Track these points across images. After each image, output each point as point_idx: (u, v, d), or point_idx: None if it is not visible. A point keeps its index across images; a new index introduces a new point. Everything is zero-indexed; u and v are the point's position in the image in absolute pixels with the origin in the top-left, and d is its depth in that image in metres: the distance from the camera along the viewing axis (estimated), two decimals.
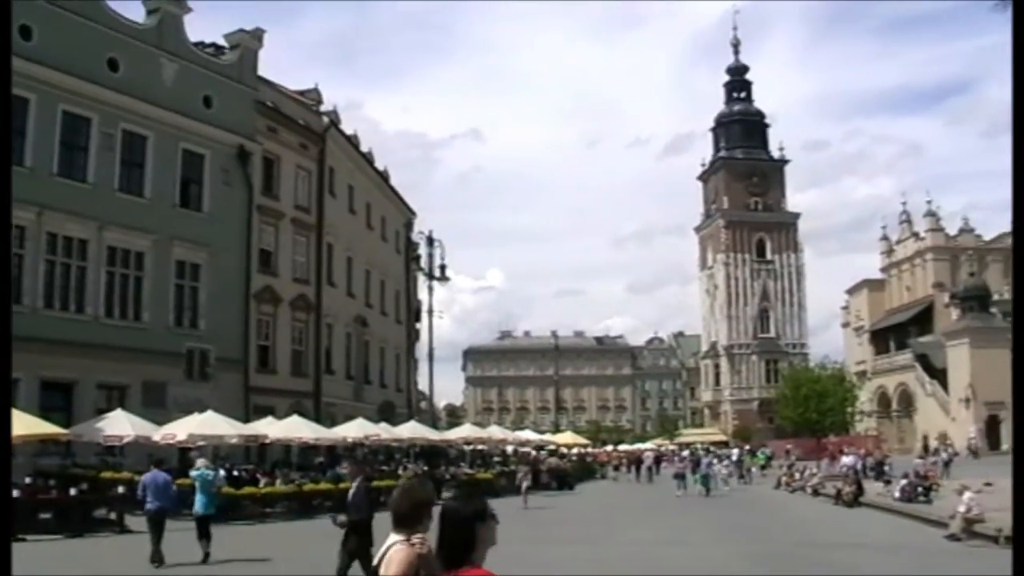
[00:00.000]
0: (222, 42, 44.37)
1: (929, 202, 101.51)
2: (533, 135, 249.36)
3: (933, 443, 75.90)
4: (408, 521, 5.11)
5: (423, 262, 51.07)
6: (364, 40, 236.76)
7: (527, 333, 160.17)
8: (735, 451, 66.08)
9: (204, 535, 18.59)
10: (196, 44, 41.83)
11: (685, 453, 70.66)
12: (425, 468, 43.09)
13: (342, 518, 13.68)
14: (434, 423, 62.53)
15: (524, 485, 36.37)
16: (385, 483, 33.08)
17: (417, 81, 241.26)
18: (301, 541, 22.61)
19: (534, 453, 59.72)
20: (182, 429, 30.37)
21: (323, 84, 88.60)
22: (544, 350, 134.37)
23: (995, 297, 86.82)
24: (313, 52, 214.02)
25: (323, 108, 53.03)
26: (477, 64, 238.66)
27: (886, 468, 43.62)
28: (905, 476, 34.71)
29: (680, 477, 43.39)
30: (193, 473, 20.01)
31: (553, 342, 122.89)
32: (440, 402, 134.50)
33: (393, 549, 5.00)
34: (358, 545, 13.16)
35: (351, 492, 14.09)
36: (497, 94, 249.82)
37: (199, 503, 19.07)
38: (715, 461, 49.98)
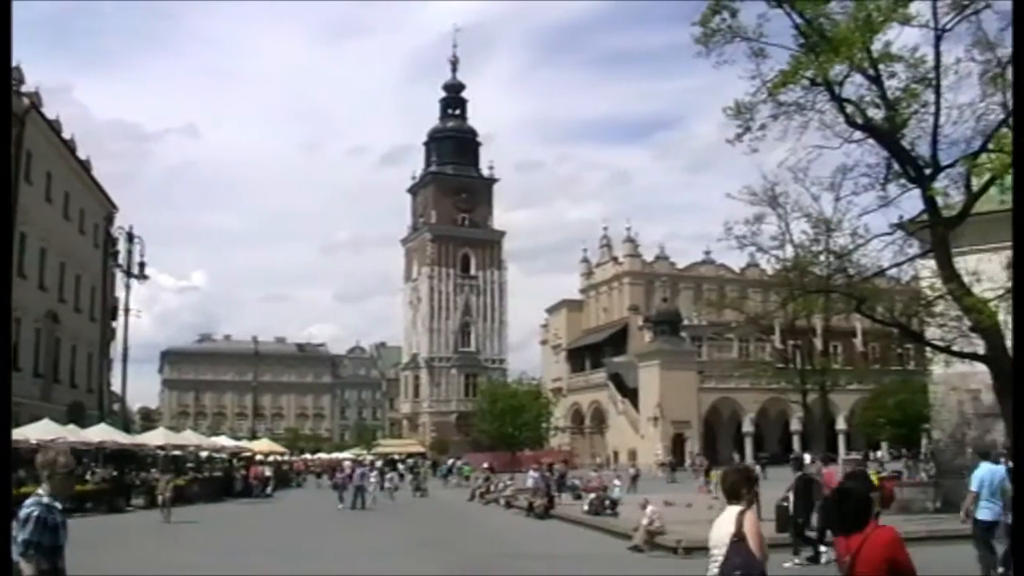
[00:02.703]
0: None
1: (628, 229, 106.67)
2: (251, 135, 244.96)
3: (598, 460, 79.51)
4: (743, 494, 7.36)
5: (122, 258, 49.29)
6: (80, 21, 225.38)
7: (228, 337, 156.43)
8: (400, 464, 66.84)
9: None
10: None
11: (379, 463, 70.70)
12: (114, 473, 41.54)
13: None
14: (127, 426, 60.18)
15: (163, 497, 33.08)
16: None
17: (133, 69, 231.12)
18: None
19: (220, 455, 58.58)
20: None
21: (31, 63, 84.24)
22: (244, 355, 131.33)
23: (685, 322, 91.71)
24: (22, 28, 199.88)
25: (25, 88, 50.31)
26: (198, 58, 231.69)
27: (569, 483, 44.95)
28: (592, 490, 36.20)
29: (339, 488, 41.88)
30: None
31: (253, 347, 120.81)
32: (134, 404, 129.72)
33: (747, 515, 7.18)
34: None
35: None
36: (216, 90, 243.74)
37: None
38: (371, 473, 46.87)
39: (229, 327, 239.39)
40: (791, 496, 19.52)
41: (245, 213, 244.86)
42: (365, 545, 25.14)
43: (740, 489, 7.35)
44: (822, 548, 18.33)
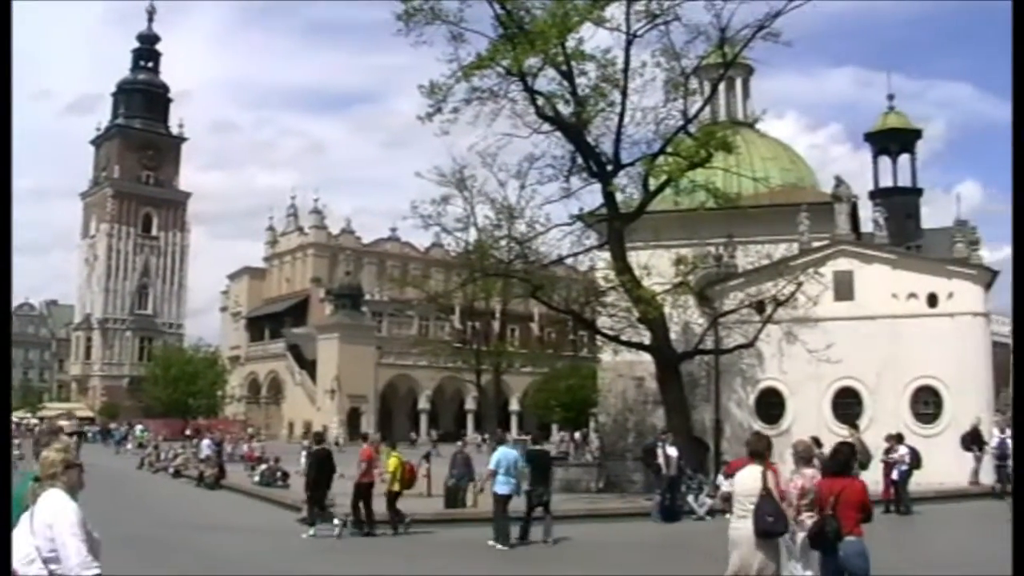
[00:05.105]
0: None
1: (316, 200, 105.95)
2: None
3: (249, 430, 79.06)
4: (765, 454, 9.29)
5: None
6: None
7: None
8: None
9: None
10: None
11: (41, 427, 67.34)
12: None
13: None
14: None
15: None
16: None
17: None
18: None
19: None
20: None
21: None
22: None
23: (367, 297, 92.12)
24: None
25: None
26: None
27: (237, 453, 44.83)
28: (254, 460, 36.49)
29: None
30: None
31: None
32: None
33: (771, 473, 9.06)
34: None
35: None
36: None
37: None
38: None
39: None
40: (304, 470, 20.53)
41: None
42: None
43: (764, 451, 9.30)
44: (335, 521, 19.46)
